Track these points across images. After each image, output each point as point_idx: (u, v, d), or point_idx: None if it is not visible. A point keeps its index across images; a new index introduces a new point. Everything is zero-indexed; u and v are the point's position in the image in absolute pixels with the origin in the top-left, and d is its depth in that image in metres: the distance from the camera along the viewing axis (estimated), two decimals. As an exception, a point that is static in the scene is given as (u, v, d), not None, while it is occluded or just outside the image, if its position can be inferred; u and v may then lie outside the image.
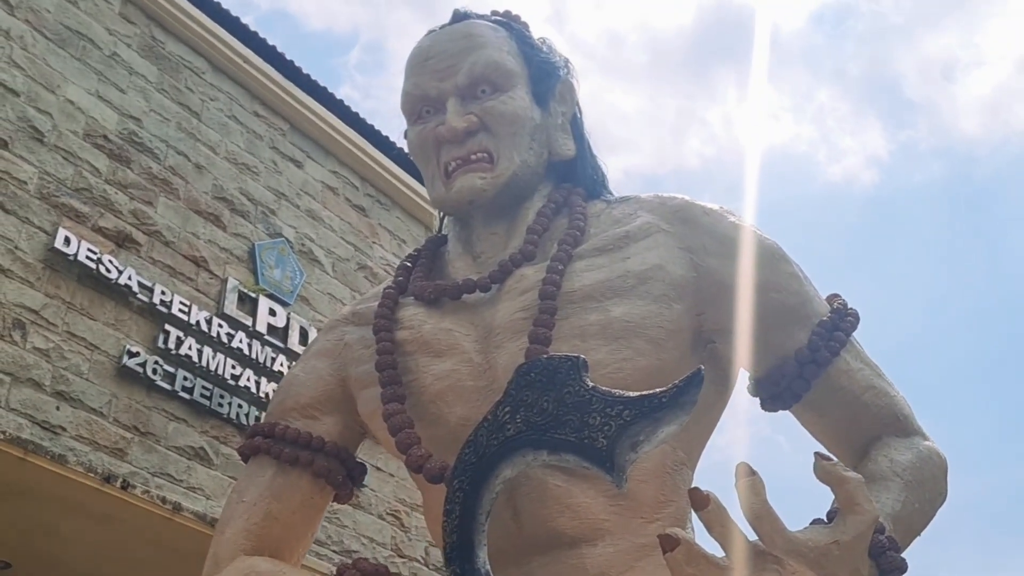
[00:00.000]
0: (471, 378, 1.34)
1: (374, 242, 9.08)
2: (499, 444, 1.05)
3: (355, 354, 1.48)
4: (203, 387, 6.87)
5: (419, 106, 1.53)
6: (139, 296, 6.76)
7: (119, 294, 6.68)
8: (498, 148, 1.47)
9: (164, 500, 6.08)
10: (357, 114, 9.27)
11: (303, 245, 8.31)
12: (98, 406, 6.28)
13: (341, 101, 9.19)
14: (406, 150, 1.62)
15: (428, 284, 1.47)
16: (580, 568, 1.22)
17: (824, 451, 1.11)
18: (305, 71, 8.90)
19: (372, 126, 9.36)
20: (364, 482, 1.56)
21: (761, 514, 0.98)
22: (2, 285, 6.11)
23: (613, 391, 1.00)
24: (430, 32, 1.58)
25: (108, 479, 5.87)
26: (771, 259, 1.42)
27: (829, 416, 1.40)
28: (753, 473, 0.99)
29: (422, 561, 7.87)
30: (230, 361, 7.13)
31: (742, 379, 1.47)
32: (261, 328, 7.48)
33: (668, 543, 0.95)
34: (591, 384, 1.01)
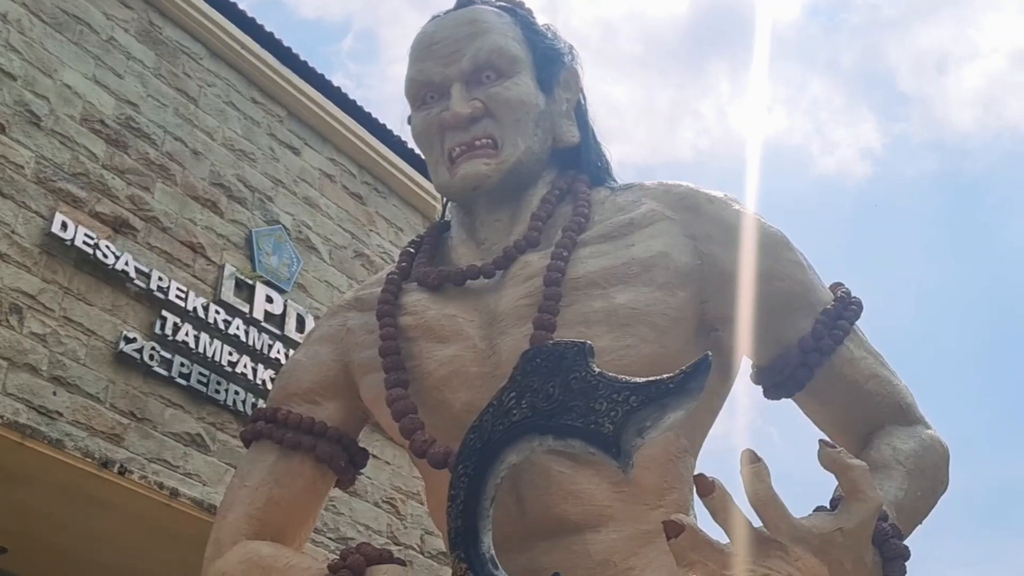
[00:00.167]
0: (475, 364, 1.34)
1: (371, 230, 9.07)
2: (504, 429, 1.05)
3: (358, 340, 1.48)
4: (200, 373, 6.86)
5: (423, 92, 1.53)
6: (136, 282, 6.75)
7: (116, 280, 6.67)
8: (503, 134, 1.47)
9: (161, 486, 6.08)
10: (355, 102, 9.24)
11: (300, 232, 8.29)
12: (95, 391, 6.28)
13: (339, 89, 9.17)
14: (409, 136, 1.61)
15: (432, 270, 1.47)
16: (584, 554, 1.23)
17: (827, 439, 1.11)
18: (303, 58, 8.88)
19: (369, 114, 9.33)
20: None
21: (766, 500, 0.98)
22: (-1, 270, 6.10)
23: (620, 377, 1.00)
24: (434, 17, 1.57)
25: (106, 464, 5.87)
26: (775, 247, 1.42)
27: (832, 404, 1.41)
28: (758, 459, 0.99)
29: (418, 549, 7.89)
30: (227, 348, 7.13)
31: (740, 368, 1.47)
32: (258, 315, 7.48)
33: (672, 529, 0.95)
34: (597, 370, 1.01)
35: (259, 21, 8.61)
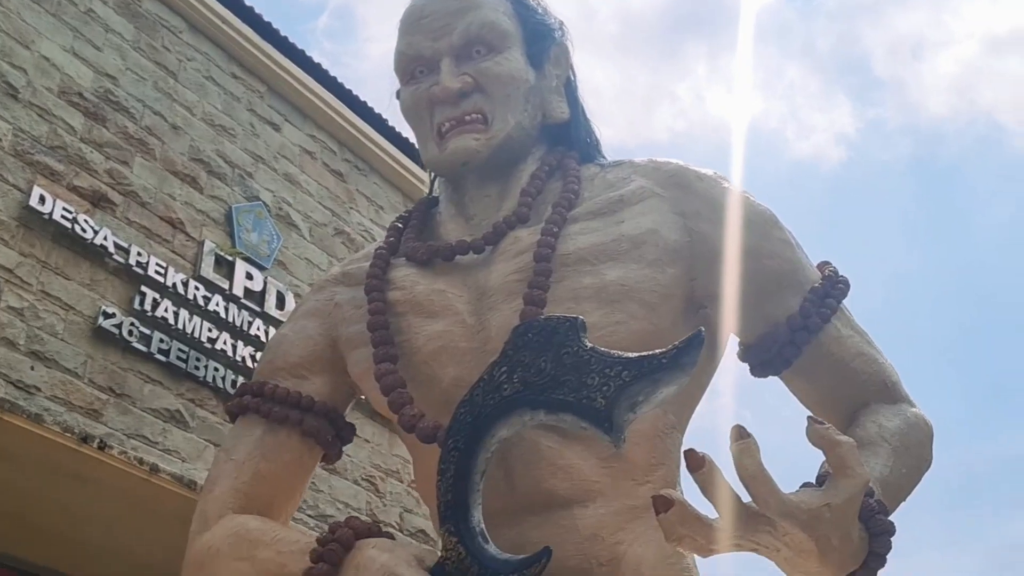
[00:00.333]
0: (464, 339, 1.34)
1: (351, 207, 9.02)
2: (496, 404, 1.05)
3: (346, 314, 1.48)
4: (179, 350, 6.82)
5: (413, 66, 1.52)
6: (115, 257, 6.69)
7: (95, 254, 6.61)
8: (492, 109, 1.46)
9: (141, 461, 6.05)
10: (336, 79, 9.17)
11: (280, 209, 8.24)
12: (73, 367, 6.23)
13: (319, 65, 9.09)
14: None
15: (421, 244, 1.46)
16: (572, 529, 1.23)
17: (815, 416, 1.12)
18: (283, 34, 8.80)
19: (350, 91, 9.26)
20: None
21: (756, 476, 0.99)
22: (-25, 244, 6.03)
23: (612, 351, 1.00)
24: None
25: (85, 439, 5.83)
26: (764, 225, 1.43)
27: (818, 382, 1.42)
28: (747, 435, 0.99)
29: (397, 527, 7.90)
30: (206, 324, 7.09)
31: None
32: (238, 291, 7.43)
33: (661, 504, 0.96)
34: (590, 345, 1.01)
35: (236, -4, 8.52)
